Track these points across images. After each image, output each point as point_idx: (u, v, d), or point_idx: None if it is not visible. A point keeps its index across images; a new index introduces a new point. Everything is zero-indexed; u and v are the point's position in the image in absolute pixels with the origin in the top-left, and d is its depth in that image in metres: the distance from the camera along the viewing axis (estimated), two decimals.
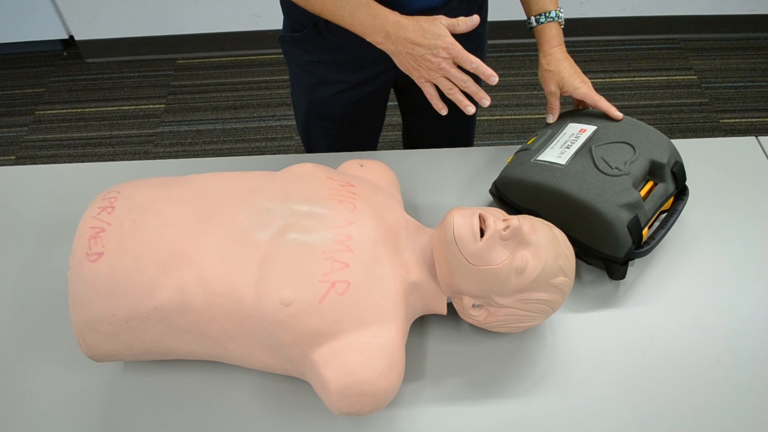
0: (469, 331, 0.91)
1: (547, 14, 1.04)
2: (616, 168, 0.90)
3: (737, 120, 2.29)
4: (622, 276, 0.93)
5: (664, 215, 0.96)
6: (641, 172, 0.91)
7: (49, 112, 2.41)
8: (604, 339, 0.90)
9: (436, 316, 0.92)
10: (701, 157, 1.12)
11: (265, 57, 2.57)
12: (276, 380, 0.86)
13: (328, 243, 0.77)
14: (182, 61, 2.58)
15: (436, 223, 1.04)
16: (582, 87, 1.03)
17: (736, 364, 0.87)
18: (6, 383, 0.87)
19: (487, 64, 1.08)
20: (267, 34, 2.52)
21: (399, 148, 1.54)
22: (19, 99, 2.46)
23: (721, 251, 0.99)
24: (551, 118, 1.06)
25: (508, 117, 2.32)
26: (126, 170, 1.13)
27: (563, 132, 0.99)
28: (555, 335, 0.90)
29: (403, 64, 0.92)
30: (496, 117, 2.33)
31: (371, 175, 0.96)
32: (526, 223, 0.79)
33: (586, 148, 0.94)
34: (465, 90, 0.90)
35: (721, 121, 2.29)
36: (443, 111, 0.94)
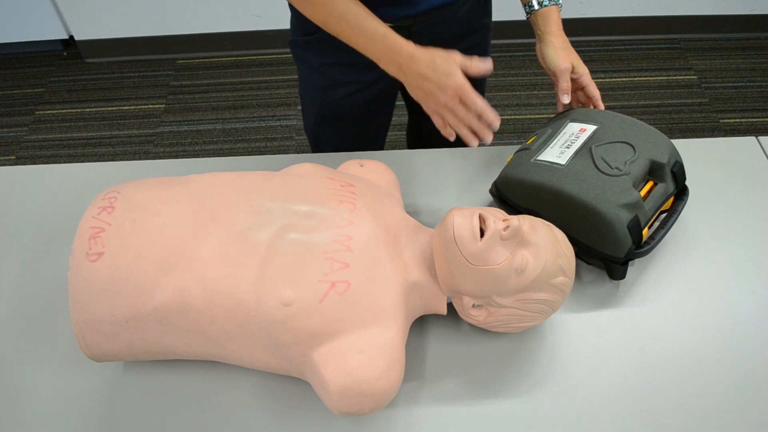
0: (469, 331, 0.91)
1: None
2: (616, 168, 0.90)
3: (737, 120, 2.29)
4: (622, 276, 0.93)
5: (664, 215, 0.96)
6: (641, 172, 0.91)
7: (49, 112, 2.41)
8: (604, 339, 0.90)
9: (436, 316, 0.92)
10: (701, 157, 1.12)
11: (265, 57, 2.57)
12: (276, 380, 0.86)
13: (328, 243, 0.77)
14: (182, 61, 2.58)
15: (436, 223, 1.04)
16: (588, 74, 1.03)
17: (736, 364, 0.87)
18: (6, 383, 0.87)
19: (483, 80, 1.16)
20: (267, 34, 2.52)
21: (400, 148, 1.54)
22: (19, 99, 2.46)
23: (721, 251, 0.99)
24: (566, 99, 1.02)
25: (508, 117, 2.32)
26: (126, 170, 1.13)
27: (563, 131, 0.99)
28: (555, 335, 0.90)
29: (414, 93, 0.93)
30: None
31: (371, 175, 0.96)
32: (526, 223, 0.79)
33: (586, 148, 0.94)
34: (469, 126, 0.91)
35: (721, 121, 2.29)
36: (451, 137, 0.95)
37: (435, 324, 0.92)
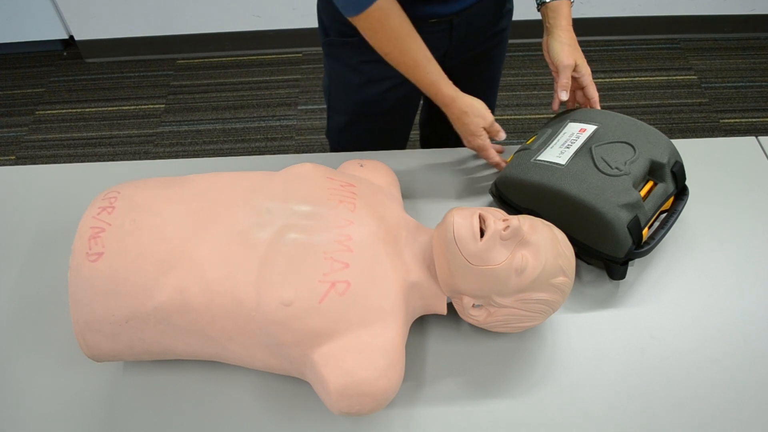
0: (469, 331, 0.91)
1: None
2: (616, 168, 0.90)
3: (737, 120, 2.29)
4: (622, 276, 0.93)
5: (664, 215, 0.96)
6: (641, 172, 0.91)
7: (49, 112, 2.41)
8: (603, 339, 0.90)
9: (436, 316, 0.92)
10: (701, 157, 1.12)
11: (265, 57, 2.57)
12: (276, 380, 0.86)
13: (328, 243, 0.77)
14: (182, 61, 2.58)
15: (436, 223, 1.04)
16: (590, 75, 1.04)
17: (736, 364, 0.87)
18: (6, 383, 0.87)
19: (503, 59, 1.28)
20: (267, 34, 2.52)
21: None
22: (19, 99, 2.46)
23: (721, 251, 0.99)
24: (565, 95, 1.03)
25: (508, 117, 2.32)
26: (126, 170, 1.13)
27: (563, 131, 0.99)
28: (555, 335, 0.90)
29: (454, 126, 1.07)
30: (496, 117, 2.32)
31: (371, 175, 0.96)
32: (526, 223, 0.79)
33: (586, 148, 0.94)
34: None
35: (721, 121, 2.29)
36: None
37: (435, 324, 0.92)
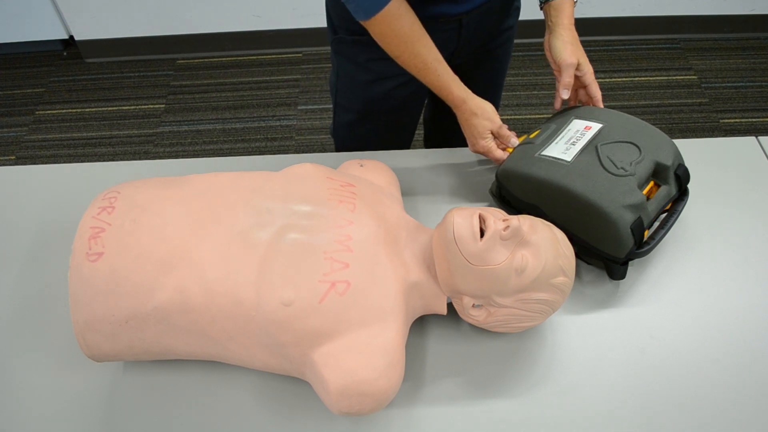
0: (469, 331, 0.91)
1: None
2: (622, 168, 0.90)
3: (737, 120, 2.29)
4: (622, 276, 0.93)
5: (664, 215, 0.96)
6: (646, 174, 0.91)
7: (49, 112, 2.41)
8: (603, 339, 0.90)
9: (436, 316, 0.92)
10: (701, 157, 1.12)
11: (265, 57, 2.57)
12: (276, 380, 0.86)
13: (328, 243, 0.77)
14: (182, 61, 2.57)
15: (436, 223, 1.04)
16: (592, 73, 1.04)
17: (735, 364, 0.87)
18: (6, 383, 0.87)
19: (509, 56, 1.30)
20: (267, 34, 2.52)
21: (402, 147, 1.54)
22: (19, 99, 2.46)
23: (721, 251, 0.99)
24: (566, 94, 1.03)
25: (508, 117, 2.32)
26: (126, 170, 1.13)
27: (568, 128, 0.99)
28: (555, 335, 0.90)
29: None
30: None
31: (371, 175, 0.96)
32: (526, 223, 0.79)
33: (592, 146, 0.93)
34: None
35: (721, 121, 2.29)
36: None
37: (435, 324, 0.92)
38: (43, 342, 0.91)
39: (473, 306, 0.82)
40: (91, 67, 2.57)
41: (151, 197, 0.82)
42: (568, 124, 1.00)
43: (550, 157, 0.93)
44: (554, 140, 0.97)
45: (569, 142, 0.95)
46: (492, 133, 1.04)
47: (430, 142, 1.56)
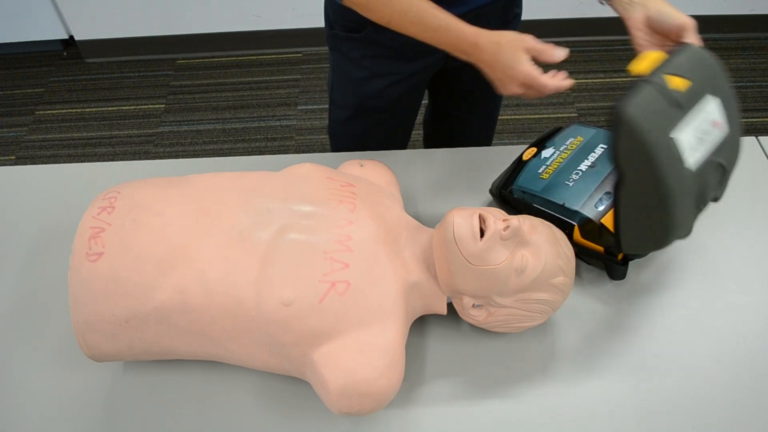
0: (469, 331, 0.91)
1: None
2: (705, 203, 0.77)
3: None
4: (622, 276, 0.93)
5: None
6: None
7: (49, 112, 2.41)
8: (603, 339, 0.90)
9: (436, 316, 0.92)
10: None
11: (265, 57, 2.57)
12: (276, 380, 0.86)
13: (328, 243, 0.77)
14: (182, 61, 2.57)
15: (436, 223, 1.04)
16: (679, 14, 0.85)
17: (735, 363, 0.87)
18: (6, 383, 0.87)
19: None
20: (267, 34, 2.52)
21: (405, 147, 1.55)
22: (19, 99, 2.46)
23: (721, 251, 0.99)
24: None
25: (508, 117, 2.32)
26: (126, 170, 1.13)
27: (701, 108, 0.73)
28: (555, 335, 0.90)
29: (486, 77, 0.93)
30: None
31: (371, 175, 0.96)
32: (526, 223, 0.79)
33: (713, 162, 0.74)
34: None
35: None
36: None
37: (435, 324, 0.92)
38: (43, 342, 0.91)
39: (473, 306, 0.82)
40: (91, 67, 2.57)
41: (151, 197, 0.82)
42: (703, 101, 0.74)
43: (679, 146, 0.70)
44: (687, 119, 0.72)
45: (699, 133, 0.73)
46: (527, 52, 0.86)
47: (430, 143, 1.56)
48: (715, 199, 0.79)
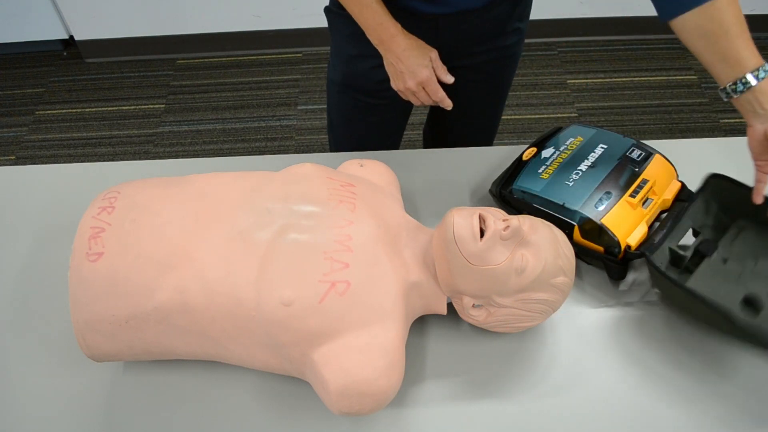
0: (469, 331, 0.91)
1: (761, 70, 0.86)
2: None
3: (737, 120, 2.28)
4: (622, 276, 0.93)
5: (664, 215, 0.96)
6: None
7: (49, 112, 2.41)
8: (603, 339, 0.90)
9: (436, 316, 0.92)
10: (701, 157, 1.12)
11: (265, 57, 2.57)
12: (276, 380, 0.86)
13: (328, 243, 0.77)
14: (182, 61, 2.57)
15: (436, 223, 1.04)
16: None
17: (735, 363, 0.87)
18: (6, 383, 0.87)
19: (509, 78, 1.24)
20: (267, 34, 2.52)
21: (405, 147, 1.55)
22: (19, 99, 2.46)
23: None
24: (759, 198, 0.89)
25: (508, 117, 2.32)
26: (126, 170, 1.13)
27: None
28: (555, 335, 0.90)
29: (387, 68, 1.03)
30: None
31: (371, 175, 0.96)
32: (526, 223, 0.79)
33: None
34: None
35: (721, 121, 2.29)
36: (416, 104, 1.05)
37: (435, 324, 0.92)
38: (43, 342, 0.91)
39: (473, 306, 0.82)
40: (91, 67, 2.57)
41: (151, 197, 0.82)
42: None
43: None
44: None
45: None
46: (431, 61, 0.99)
47: (430, 143, 1.56)
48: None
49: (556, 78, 2.43)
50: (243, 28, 2.49)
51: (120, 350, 0.80)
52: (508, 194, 0.98)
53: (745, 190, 0.90)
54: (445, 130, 1.43)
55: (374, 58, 1.14)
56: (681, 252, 0.88)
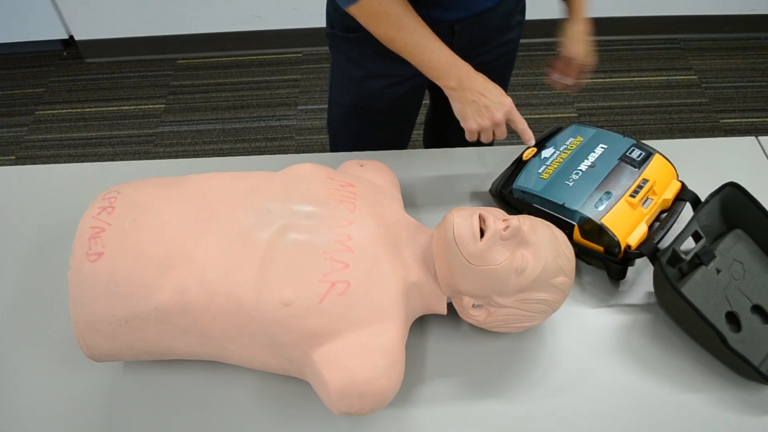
0: (469, 331, 0.91)
1: None
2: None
3: (737, 120, 2.29)
4: (622, 276, 0.93)
5: (664, 215, 0.96)
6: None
7: (49, 112, 2.41)
8: (603, 339, 0.90)
9: (436, 316, 0.92)
10: (701, 157, 1.12)
11: (265, 57, 2.57)
12: (276, 380, 0.86)
13: (328, 243, 0.77)
14: (182, 61, 2.57)
15: (436, 223, 1.04)
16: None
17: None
18: (6, 383, 0.87)
19: (510, 70, 1.24)
20: (267, 34, 2.52)
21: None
22: (19, 99, 2.46)
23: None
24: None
25: None
26: (126, 170, 1.13)
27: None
28: (555, 335, 0.90)
29: (463, 109, 0.98)
30: None
31: (371, 175, 0.96)
32: (526, 223, 0.79)
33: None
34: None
35: (721, 121, 2.29)
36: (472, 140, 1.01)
37: (435, 324, 0.92)
38: (43, 342, 0.91)
39: (473, 306, 0.82)
40: (91, 67, 2.57)
41: (151, 197, 0.82)
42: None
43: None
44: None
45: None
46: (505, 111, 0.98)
47: (430, 143, 1.56)
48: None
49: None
50: (243, 28, 2.49)
51: (120, 350, 0.80)
52: (508, 194, 0.98)
53: (755, 205, 0.91)
54: (445, 130, 1.43)
55: (386, 77, 1.15)
56: (683, 255, 0.88)
